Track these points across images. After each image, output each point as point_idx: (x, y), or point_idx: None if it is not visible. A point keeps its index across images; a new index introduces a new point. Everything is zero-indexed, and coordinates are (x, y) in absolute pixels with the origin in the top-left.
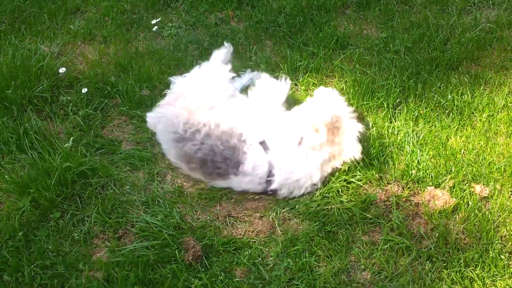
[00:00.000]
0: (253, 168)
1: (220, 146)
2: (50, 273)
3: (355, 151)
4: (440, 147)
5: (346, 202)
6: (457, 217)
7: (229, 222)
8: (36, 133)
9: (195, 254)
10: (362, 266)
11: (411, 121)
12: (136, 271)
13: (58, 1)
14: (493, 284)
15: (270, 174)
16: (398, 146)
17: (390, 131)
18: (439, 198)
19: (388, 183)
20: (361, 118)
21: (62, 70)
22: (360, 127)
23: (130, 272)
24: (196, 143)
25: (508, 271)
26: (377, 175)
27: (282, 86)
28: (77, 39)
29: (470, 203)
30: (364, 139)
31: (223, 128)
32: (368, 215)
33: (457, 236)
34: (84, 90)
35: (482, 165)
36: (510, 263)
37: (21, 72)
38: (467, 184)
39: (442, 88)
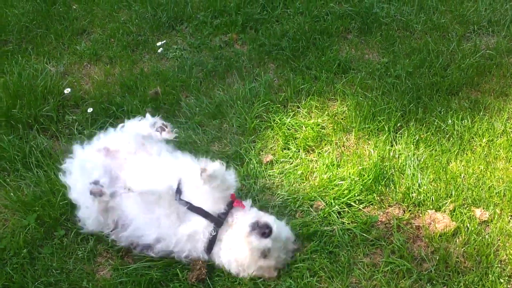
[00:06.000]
0: None
1: None
2: None
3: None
4: (441, 171)
5: (347, 223)
6: (457, 241)
7: None
8: (42, 151)
9: (199, 277)
10: None
11: (412, 145)
12: None
13: (65, 22)
14: None
15: None
16: (399, 170)
17: (391, 154)
18: (439, 221)
19: (389, 206)
20: None
21: (67, 90)
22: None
23: None
24: None
25: None
26: (378, 198)
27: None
28: (83, 59)
29: (470, 226)
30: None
31: None
32: (369, 237)
33: (457, 259)
34: (90, 110)
35: (482, 189)
36: (509, 286)
37: (28, 92)
38: (467, 208)
39: (442, 112)
